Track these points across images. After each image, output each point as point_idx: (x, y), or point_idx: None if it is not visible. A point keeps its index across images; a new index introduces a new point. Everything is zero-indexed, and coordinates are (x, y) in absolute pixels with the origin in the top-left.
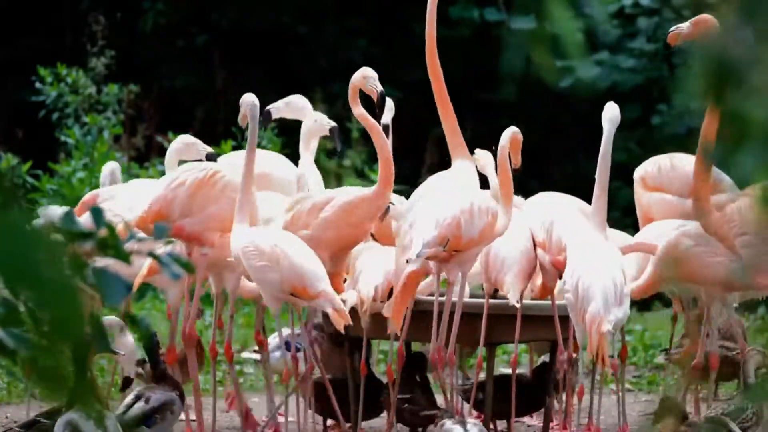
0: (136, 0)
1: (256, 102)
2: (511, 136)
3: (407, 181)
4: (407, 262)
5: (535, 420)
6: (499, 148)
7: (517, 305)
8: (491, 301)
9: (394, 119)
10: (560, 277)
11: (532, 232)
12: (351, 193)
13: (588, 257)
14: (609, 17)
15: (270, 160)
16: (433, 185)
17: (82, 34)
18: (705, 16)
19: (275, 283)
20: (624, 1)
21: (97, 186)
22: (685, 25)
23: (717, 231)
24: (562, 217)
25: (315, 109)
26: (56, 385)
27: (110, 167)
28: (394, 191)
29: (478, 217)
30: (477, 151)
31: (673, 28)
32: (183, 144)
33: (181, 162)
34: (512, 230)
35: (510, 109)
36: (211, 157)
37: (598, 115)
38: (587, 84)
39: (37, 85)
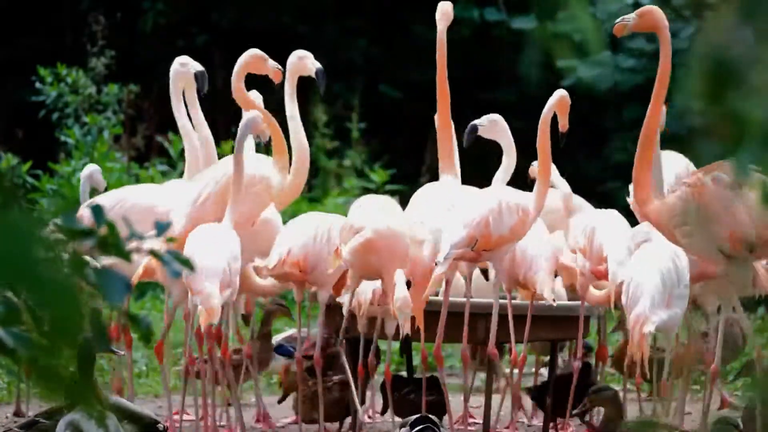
0: (136, 0)
1: (254, 116)
2: (559, 99)
3: (407, 181)
4: (435, 264)
5: (535, 420)
6: (543, 114)
7: (554, 304)
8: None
9: (393, 119)
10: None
11: (573, 237)
12: (380, 230)
13: (642, 257)
14: (622, 12)
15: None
16: (432, 195)
17: (82, 34)
18: (650, 8)
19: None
20: (624, 1)
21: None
22: (631, 17)
23: (656, 220)
24: (605, 225)
25: (315, 109)
26: (56, 385)
27: (88, 171)
28: (393, 191)
29: (508, 215)
30: (487, 117)
31: (618, 20)
32: (180, 65)
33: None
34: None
35: (510, 109)
36: (200, 76)
37: (598, 115)
38: (587, 84)
39: (37, 85)
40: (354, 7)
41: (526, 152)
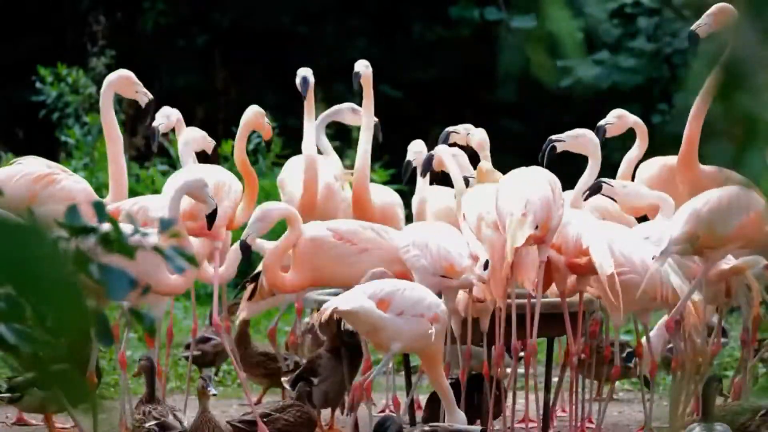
0: (136, 0)
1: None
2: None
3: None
4: (653, 259)
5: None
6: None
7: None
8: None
9: (393, 119)
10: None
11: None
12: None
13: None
14: (608, 16)
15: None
16: None
17: (83, 34)
18: (723, 6)
19: None
20: (624, 1)
21: (97, 186)
22: (703, 20)
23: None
24: (577, 218)
25: (315, 109)
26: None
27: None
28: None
29: (736, 212)
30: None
31: (693, 26)
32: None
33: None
34: None
35: (510, 109)
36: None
37: (598, 115)
38: (587, 84)
39: (37, 85)
40: (354, 7)
41: (525, 152)
